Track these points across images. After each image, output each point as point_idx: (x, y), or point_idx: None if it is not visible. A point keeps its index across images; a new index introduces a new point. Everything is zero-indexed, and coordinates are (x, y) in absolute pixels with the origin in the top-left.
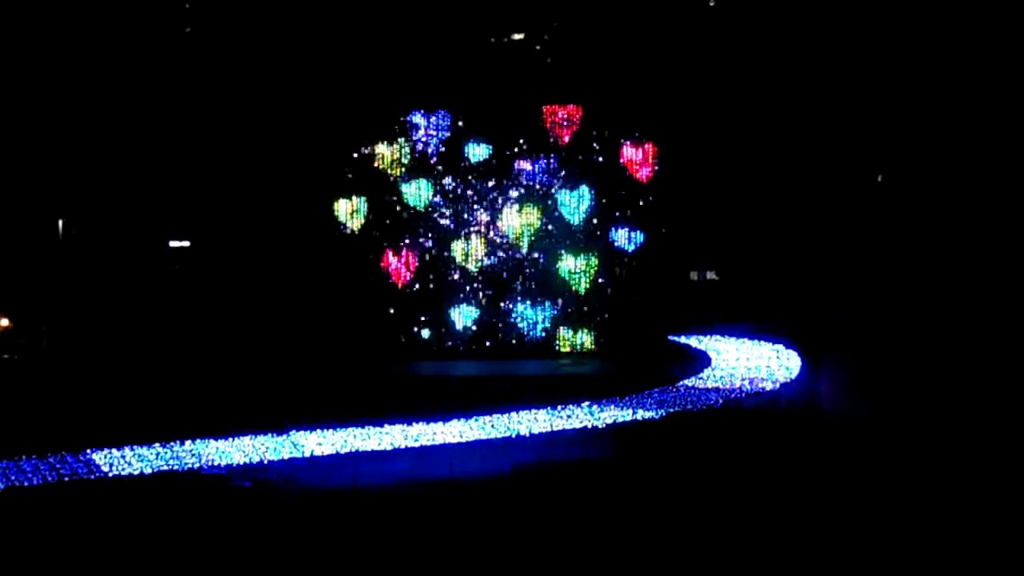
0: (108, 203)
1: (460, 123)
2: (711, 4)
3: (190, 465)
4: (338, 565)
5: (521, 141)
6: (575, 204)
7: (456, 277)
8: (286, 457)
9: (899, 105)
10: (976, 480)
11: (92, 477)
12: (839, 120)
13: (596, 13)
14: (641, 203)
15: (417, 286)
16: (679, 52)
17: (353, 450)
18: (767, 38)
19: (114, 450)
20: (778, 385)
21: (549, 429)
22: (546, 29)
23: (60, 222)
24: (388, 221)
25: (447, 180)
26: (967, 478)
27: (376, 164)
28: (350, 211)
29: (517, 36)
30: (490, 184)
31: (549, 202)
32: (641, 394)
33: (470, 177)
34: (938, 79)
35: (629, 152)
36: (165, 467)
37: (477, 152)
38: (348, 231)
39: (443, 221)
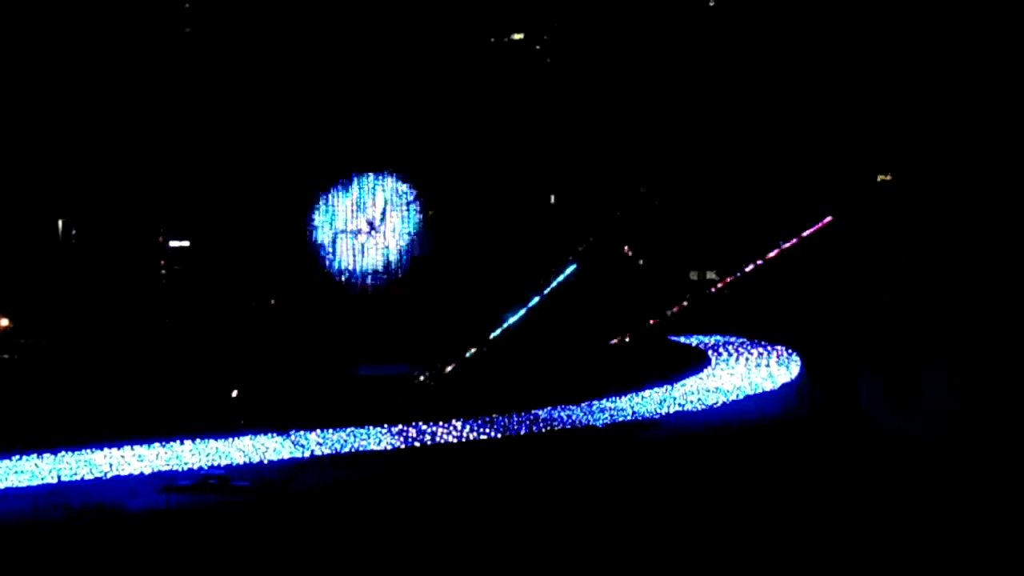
0: (107, 203)
1: None
2: (711, 3)
3: (191, 466)
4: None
5: None
6: None
7: None
8: (286, 457)
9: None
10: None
11: (92, 477)
12: (838, 120)
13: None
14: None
15: None
16: (680, 52)
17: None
18: (767, 39)
19: (114, 449)
20: (778, 385)
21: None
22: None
23: (60, 222)
24: None
25: None
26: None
27: None
28: None
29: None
30: None
31: None
32: (640, 393)
33: None
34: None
35: None
36: (165, 467)
37: None
38: None
39: None
